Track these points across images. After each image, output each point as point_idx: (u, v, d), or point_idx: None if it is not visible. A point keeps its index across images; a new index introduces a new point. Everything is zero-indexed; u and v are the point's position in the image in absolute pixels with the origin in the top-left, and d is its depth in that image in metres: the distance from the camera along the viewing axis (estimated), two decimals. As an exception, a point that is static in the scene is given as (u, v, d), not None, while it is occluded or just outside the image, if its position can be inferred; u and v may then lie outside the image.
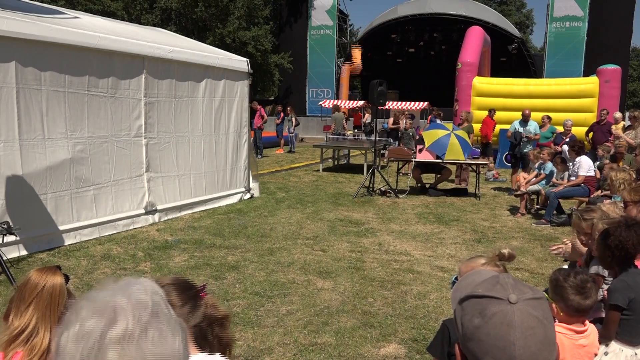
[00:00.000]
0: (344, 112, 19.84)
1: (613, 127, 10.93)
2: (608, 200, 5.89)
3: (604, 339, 2.54)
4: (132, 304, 0.79)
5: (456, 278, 2.05)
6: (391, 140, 14.40)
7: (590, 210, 3.25)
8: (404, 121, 14.17)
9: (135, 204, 7.05)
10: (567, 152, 9.11)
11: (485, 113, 12.70)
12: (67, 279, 1.95)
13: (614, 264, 2.68)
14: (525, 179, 8.82)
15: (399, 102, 21.94)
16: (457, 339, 1.05)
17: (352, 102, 24.22)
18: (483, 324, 0.97)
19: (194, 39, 10.60)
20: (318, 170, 13.44)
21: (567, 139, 10.36)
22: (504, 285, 1.00)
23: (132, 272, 5.28)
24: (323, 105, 23.80)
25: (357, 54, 27.05)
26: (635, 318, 2.55)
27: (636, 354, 2.57)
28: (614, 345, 2.57)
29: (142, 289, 0.83)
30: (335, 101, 23.44)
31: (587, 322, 2.31)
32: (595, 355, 2.35)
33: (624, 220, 2.74)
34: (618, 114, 11.34)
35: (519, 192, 8.63)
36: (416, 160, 10.22)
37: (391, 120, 16.36)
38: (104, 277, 5.14)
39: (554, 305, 2.23)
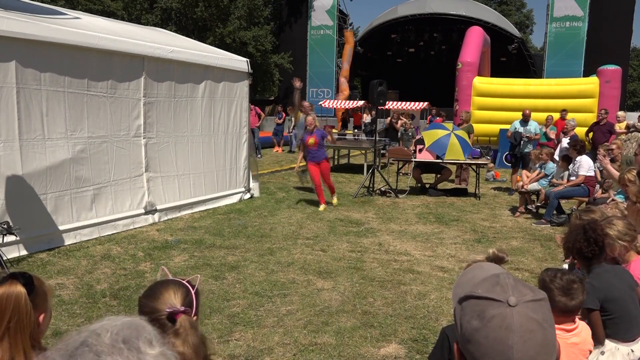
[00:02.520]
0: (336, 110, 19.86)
1: (616, 125, 10.90)
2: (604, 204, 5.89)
3: (597, 342, 2.54)
4: None
5: None
6: (388, 140, 14.37)
7: (590, 212, 3.26)
8: (402, 121, 14.17)
9: (135, 203, 7.05)
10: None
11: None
12: (29, 288, 1.54)
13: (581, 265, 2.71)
14: (527, 177, 8.78)
15: (399, 102, 21.95)
16: (456, 338, 1.04)
17: (352, 102, 24.24)
18: (482, 327, 0.96)
19: (194, 39, 10.59)
20: (318, 170, 13.42)
21: (568, 139, 10.35)
22: (504, 287, 0.98)
23: (132, 272, 5.29)
24: (323, 105, 23.82)
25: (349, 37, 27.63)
26: (617, 315, 2.56)
27: (632, 350, 2.57)
28: (610, 344, 2.57)
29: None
30: (327, 101, 23.79)
31: (577, 319, 2.30)
32: (590, 352, 2.34)
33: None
34: (621, 113, 11.31)
35: (521, 190, 8.61)
36: (416, 160, 10.22)
37: (388, 119, 16.38)
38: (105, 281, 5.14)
39: None
